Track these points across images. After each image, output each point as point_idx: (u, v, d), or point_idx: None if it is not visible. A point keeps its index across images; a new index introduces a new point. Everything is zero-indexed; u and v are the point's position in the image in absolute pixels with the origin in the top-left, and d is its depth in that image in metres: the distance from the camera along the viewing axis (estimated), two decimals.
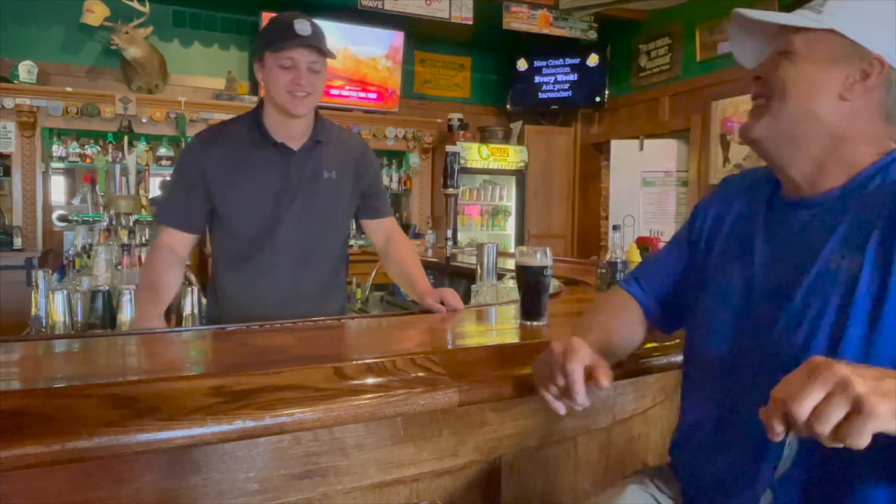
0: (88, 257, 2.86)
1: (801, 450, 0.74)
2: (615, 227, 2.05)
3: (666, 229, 5.29)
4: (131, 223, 3.79)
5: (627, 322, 1.16)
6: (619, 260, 1.98)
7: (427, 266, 1.84)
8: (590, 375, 0.91)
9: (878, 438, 0.78)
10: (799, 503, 0.89)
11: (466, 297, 2.06)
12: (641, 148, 5.43)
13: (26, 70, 4.51)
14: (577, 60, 5.84)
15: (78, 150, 4.71)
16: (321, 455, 1.04)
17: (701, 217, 1.14)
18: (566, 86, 5.91)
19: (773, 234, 0.99)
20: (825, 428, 0.63)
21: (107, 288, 1.85)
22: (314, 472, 1.04)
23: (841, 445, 0.65)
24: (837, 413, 0.63)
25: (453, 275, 2.92)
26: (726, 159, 4.76)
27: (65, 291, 1.76)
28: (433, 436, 1.14)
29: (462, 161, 5.11)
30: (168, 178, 1.90)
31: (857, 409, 0.62)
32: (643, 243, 2.12)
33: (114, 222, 3.76)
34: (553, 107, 6.01)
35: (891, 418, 0.62)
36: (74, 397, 0.81)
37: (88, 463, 0.86)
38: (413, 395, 0.98)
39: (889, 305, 0.81)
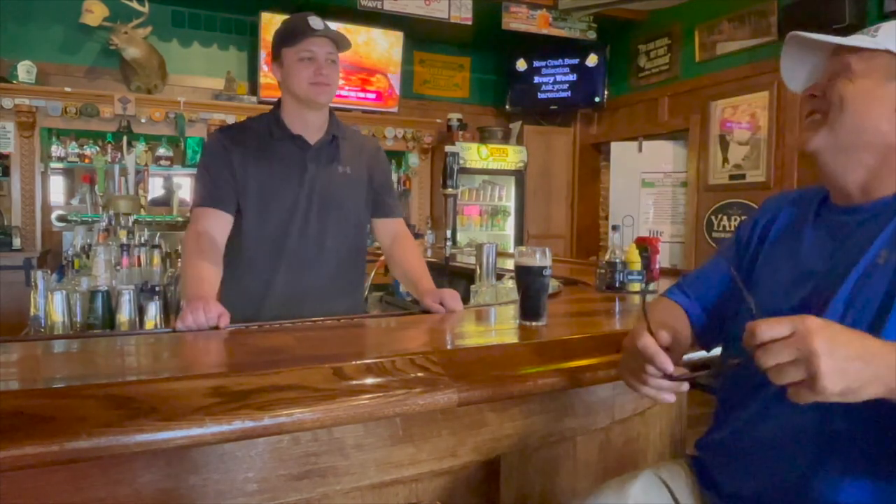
0: (87, 257, 2.86)
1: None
2: (614, 228, 2.05)
3: (665, 230, 5.29)
4: (130, 223, 3.79)
5: (679, 319, 1.16)
6: (618, 260, 1.98)
7: (426, 266, 1.84)
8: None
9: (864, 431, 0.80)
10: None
11: (466, 298, 2.06)
12: (640, 149, 5.43)
13: (25, 70, 4.50)
14: (576, 61, 5.84)
15: (77, 151, 4.71)
16: (320, 455, 1.04)
17: (747, 231, 1.17)
18: (565, 86, 5.91)
19: (822, 235, 1.03)
20: (776, 381, 0.73)
21: (106, 288, 1.85)
22: (313, 472, 1.04)
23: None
24: (792, 377, 0.72)
25: (453, 275, 2.92)
26: (725, 160, 4.76)
27: (64, 292, 1.76)
28: (432, 436, 1.14)
29: (461, 161, 5.11)
30: (196, 173, 1.89)
31: (810, 384, 0.70)
32: (642, 243, 2.12)
33: (113, 222, 3.76)
34: (552, 107, 6.01)
35: (836, 396, 0.70)
36: (73, 398, 0.81)
37: (87, 463, 0.86)
38: (412, 396, 0.98)
39: None
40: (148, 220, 4.52)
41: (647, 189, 5.42)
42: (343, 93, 5.41)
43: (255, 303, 1.73)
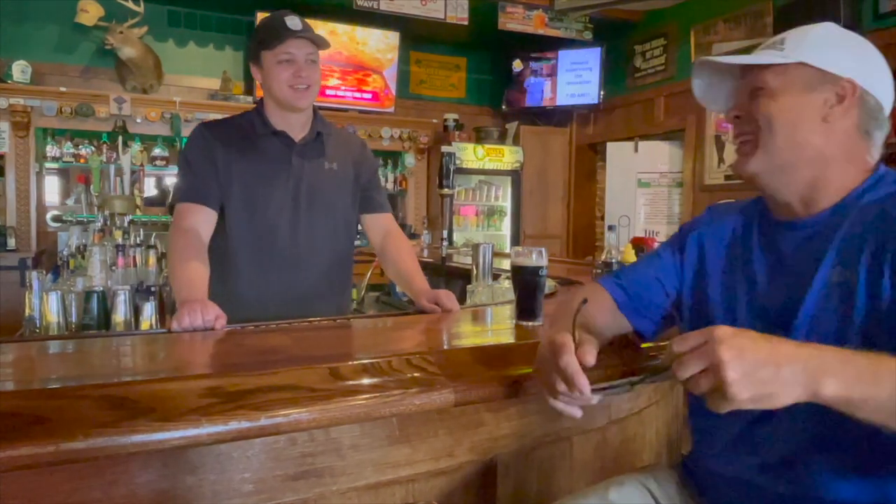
0: (83, 258, 2.85)
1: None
2: (610, 228, 2.06)
3: (661, 230, 5.30)
4: (126, 224, 3.77)
5: (604, 308, 1.15)
6: (614, 260, 1.99)
7: (423, 267, 1.84)
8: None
9: (850, 433, 0.80)
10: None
11: (462, 298, 2.06)
12: (636, 149, 5.44)
13: (20, 70, 4.49)
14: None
15: (72, 151, 4.70)
16: (317, 456, 1.04)
17: (690, 240, 1.15)
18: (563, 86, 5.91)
19: (771, 255, 1.03)
20: (692, 391, 0.75)
21: (101, 288, 1.84)
22: (310, 472, 1.03)
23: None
24: (704, 386, 0.73)
25: (449, 275, 2.92)
26: (721, 160, 4.77)
27: (59, 292, 1.75)
28: (429, 436, 1.14)
29: (458, 161, 5.11)
30: (178, 170, 1.85)
31: (720, 392, 0.72)
32: (638, 244, 2.12)
33: (108, 223, 3.74)
34: (548, 107, 6.02)
35: (748, 403, 0.71)
36: (69, 398, 0.81)
37: (83, 464, 0.86)
38: (409, 396, 0.98)
39: (886, 313, 0.85)
40: (143, 220, 4.50)
41: (643, 189, 5.43)
42: (339, 93, 5.41)
43: (244, 305, 1.67)
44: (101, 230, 3.46)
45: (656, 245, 2.26)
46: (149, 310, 1.82)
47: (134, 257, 2.68)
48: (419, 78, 6.12)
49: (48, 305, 1.72)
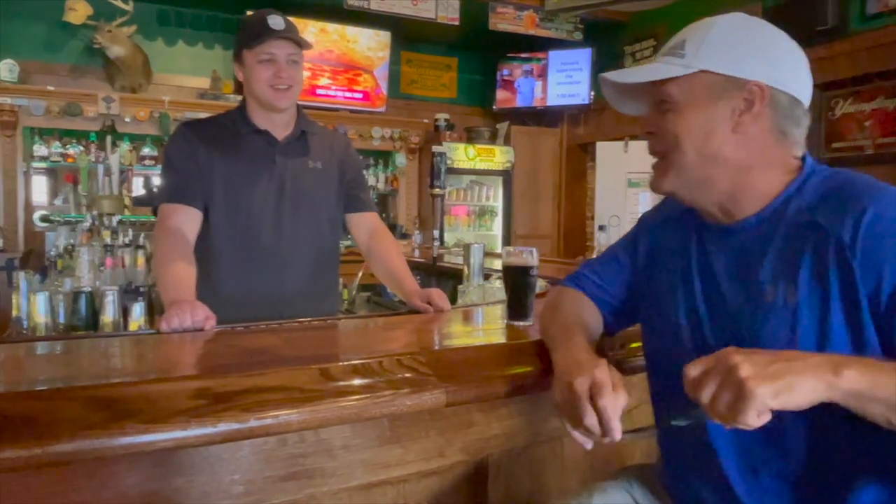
0: (71, 258, 2.83)
1: (789, 453, 0.86)
2: (601, 228, 2.06)
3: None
4: (114, 224, 3.75)
5: (593, 311, 1.15)
6: None
7: (414, 267, 1.83)
8: None
9: (862, 438, 0.80)
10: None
11: (453, 298, 2.06)
12: (626, 149, 5.46)
13: (7, 69, 4.44)
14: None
15: (60, 150, 4.65)
16: (307, 457, 1.03)
17: (641, 243, 1.14)
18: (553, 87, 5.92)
19: (708, 264, 1.00)
20: (721, 411, 0.73)
21: (89, 289, 1.83)
22: (300, 473, 1.03)
23: (740, 426, 0.73)
24: (727, 397, 0.72)
25: (440, 275, 2.92)
26: None
27: (46, 293, 1.74)
28: (420, 436, 1.14)
29: (449, 161, 5.10)
30: (160, 171, 1.83)
31: (740, 394, 0.71)
32: None
33: (96, 223, 3.72)
34: (539, 107, 6.03)
35: (770, 397, 0.70)
36: (56, 400, 0.80)
37: (70, 466, 0.85)
38: (400, 396, 0.98)
39: (833, 336, 0.83)
40: (132, 220, 4.47)
41: (633, 189, 5.45)
42: (330, 92, 5.40)
43: (229, 304, 1.62)
44: (89, 230, 3.43)
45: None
46: (137, 310, 1.82)
47: (122, 257, 2.66)
48: (410, 78, 6.11)
49: (36, 306, 1.71)
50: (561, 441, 1.38)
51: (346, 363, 0.99)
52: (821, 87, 3.88)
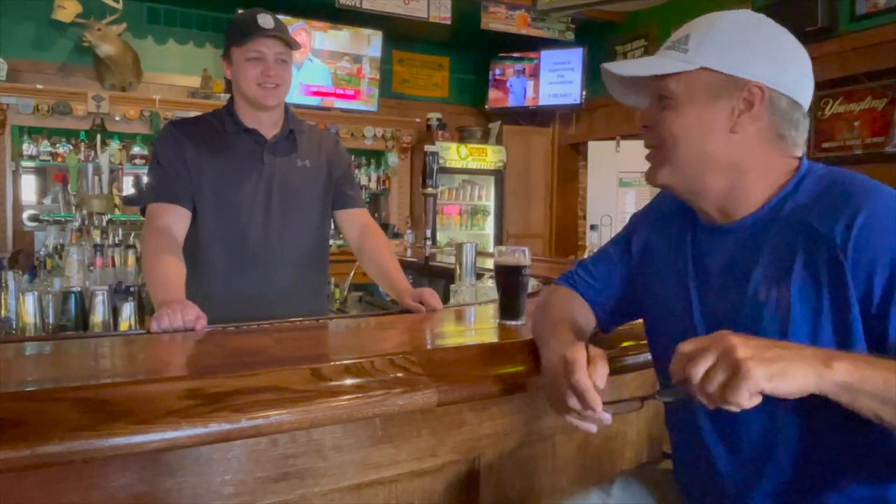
0: (60, 258, 2.81)
1: (781, 450, 0.88)
2: (593, 227, 2.07)
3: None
4: (104, 223, 3.73)
5: (584, 309, 1.16)
6: None
7: (406, 266, 1.83)
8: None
9: (850, 435, 0.81)
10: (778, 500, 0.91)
11: (445, 297, 2.06)
12: (618, 148, 5.48)
13: None
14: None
15: (49, 149, 4.62)
16: (298, 457, 1.03)
17: (635, 241, 1.15)
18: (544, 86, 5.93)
19: (703, 265, 1.00)
20: (711, 388, 0.73)
21: (79, 289, 1.82)
22: (291, 474, 1.03)
23: (730, 407, 0.73)
24: (720, 376, 0.72)
25: (432, 274, 2.92)
26: None
27: (35, 293, 1.73)
28: (412, 436, 1.14)
29: (441, 161, 5.10)
30: (148, 170, 1.82)
31: (735, 373, 0.71)
32: None
33: (86, 222, 3.70)
34: (531, 107, 6.04)
35: (765, 381, 0.71)
36: (45, 401, 0.79)
37: (60, 468, 0.84)
38: (391, 396, 0.98)
39: (823, 334, 0.84)
40: (122, 219, 4.44)
41: (624, 188, 5.46)
42: (322, 91, 5.38)
43: (218, 304, 1.60)
44: (78, 230, 3.41)
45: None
46: (127, 310, 1.81)
47: (112, 257, 2.65)
48: (402, 77, 6.11)
49: (25, 306, 1.69)
50: (553, 440, 1.39)
51: (337, 363, 0.99)
52: None
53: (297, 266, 1.79)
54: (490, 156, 5.71)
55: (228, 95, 1.82)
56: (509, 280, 1.36)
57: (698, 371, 0.74)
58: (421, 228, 4.55)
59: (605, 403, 0.87)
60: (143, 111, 4.72)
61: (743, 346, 0.72)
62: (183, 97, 5.02)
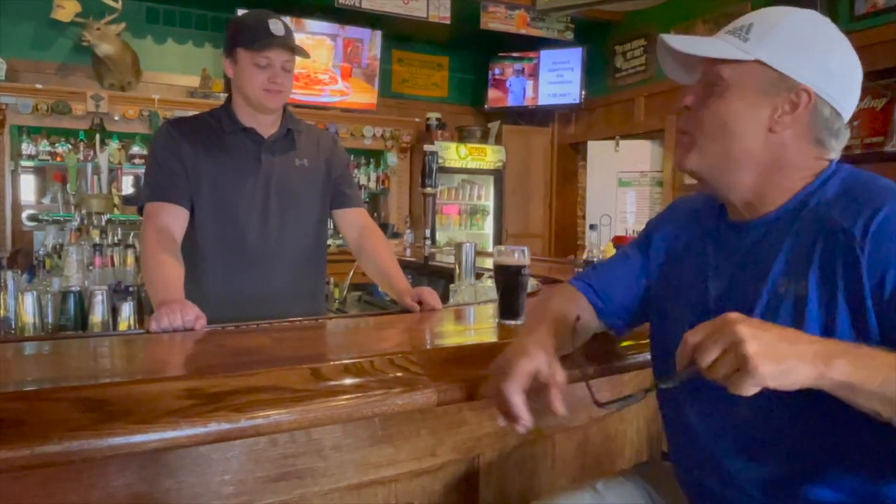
0: (59, 257, 2.81)
1: (772, 438, 0.88)
2: (592, 227, 2.07)
3: (642, 228, 5.34)
4: (103, 223, 3.73)
5: (581, 306, 1.15)
6: (596, 259, 2.00)
7: (405, 266, 1.83)
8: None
9: (845, 428, 0.81)
10: (767, 487, 0.92)
11: (445, 297, 2.06)
12: (617, 148, 5.48)
13: None
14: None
15: (48, 149, 4.61)
16: (298, 457, 1.03)
17: (655, 239, 1.15)
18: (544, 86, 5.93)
19: (724, 260, 1.01)
20: (716, 377, 0.74)
21: (78, 289, 1.82)
22: (291, 473, 1.03)
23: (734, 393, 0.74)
24: (727, 368, 0.73)
25: (432, 274, 2.92)
26: None
27: (35, 292, 1.73)
28: (411, 436, 1.14)
29: (440, 160, 5.11)
30: (145, 169, 1.82)
31: (742, 368, 0.72)
32: (620, 242, 2.14)
33: (85, 222, 3.70)
34: (530, 107, 6.04)
35: (771, 378, 0.71)
36: (44, 401, 0.79)
37: (59, 468, 0.84)
38: (391, 396, 0.98)
39: (838, 328, 0.84)
40: (121, 219, 4.44)
41: (623, 188, 5.46)
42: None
43: (216, 303, 1.59)
44: (78, 229, 3.42)
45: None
46: (127, 310, 1.80)
47: (112, 257, 2.65)
48: (401, 77, 6.10)
49: (24, 306, 1.69)
50: (552, 440, 1.39)
51: (337, 363, 0.99)
52: None
53: (295, 265, 1.78)
54: (489, 155, 5.71)
55: (227, 94, 1.81)
56: (509, 280, 1.36)
57: (706, 359, 0.74)
58: (420, 228, 4.55)
59: (608, 402, 0.88)
60: (143, 111, 4.71)
61: (752, 341, 0.71)
62: (182, 97, 5.02)
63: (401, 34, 5.65)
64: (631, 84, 5.51)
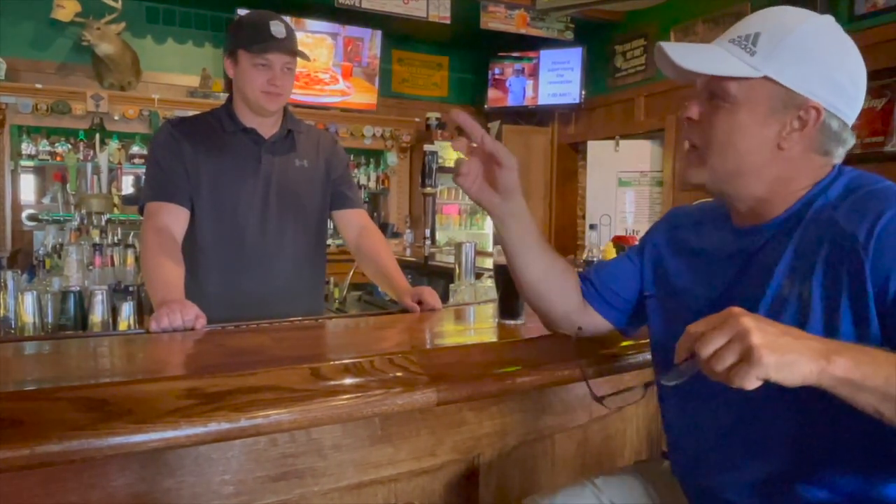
0: (59, 257, 2.81)
1: (776, 438, 0.87)
2: (592, 227, 2.07)
3: (642, 228, 5.34)
4: (103, 222, 3.73)
5: (574, 287, 1.17)
6: (595, 259, 2.00)
7: (405, 266, 1.83)
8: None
9: (842, 429, 0.81)
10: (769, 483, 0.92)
11: (445, 297, 2.06)
12: (617, 148, 5.48)
13: None
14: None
15: (48, 148, 4.61)
16: (298, 456, 1.03)
17: (648, 248, 1.16)
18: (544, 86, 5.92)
19: (727, 263, 1.01)
20: (719, 368, 0.72)
21: (78, 288, 1.82)
22: (291, 473, 1.03)
23: (730, 385, 0.73)
24: (730, 358, 0.72)
25: (431, 274, 2.92)
26: None
27: (34, 292, 1.72)
28: (411, 436, 1.14)
29: (440, 160, 5.09)
30: (145, 169, 1.82)
31: (747, 358, 0.71)
32: (619, 242, 2.14)
33: (85, 222, 3.69)
34: (530, 107, 6.04)
35: (775, 370, 0.70)
36: (44, 400, 0.79)
37: (59, 467, 0.84)
38: (391, 396, 0.98)
39: (841, 330, 0.84)
40: (121, 219, 4.44)
41: (623, 188, 5.46)
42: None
43: (215, 303, 1.58)
44: (77, 229, 3.41)
45: (637, 243, 2.28)
46: (127, 310, 1.80)
47: (111, 257, 2.65)
48: (401, 77, 6.10)
49: (23, 306, 1.69)
50: (552, 439, 1.39)
51: (336, 362, 0.99)
52: None
53: (295, 265, 1.79)
54: None
55: (227, 94, 1.82)
56: (509, 280, 1.36)
57: (709, 349, 0.73)
58: (420, 228, 4.55)
59: (608, 395, 0.87)
60: (142, 110, 4.71)
61: (757, 332, 0.71)
62: (182, 97, 5.02)
63: (401, 34, 5.65)
64: (631, 84, 5.51)
